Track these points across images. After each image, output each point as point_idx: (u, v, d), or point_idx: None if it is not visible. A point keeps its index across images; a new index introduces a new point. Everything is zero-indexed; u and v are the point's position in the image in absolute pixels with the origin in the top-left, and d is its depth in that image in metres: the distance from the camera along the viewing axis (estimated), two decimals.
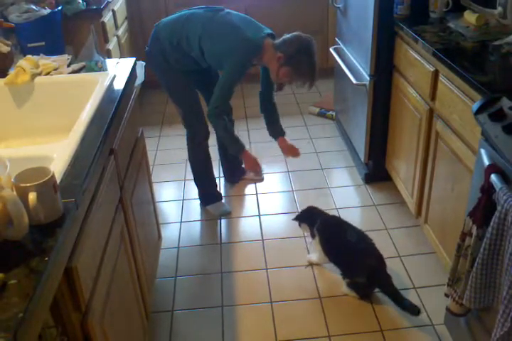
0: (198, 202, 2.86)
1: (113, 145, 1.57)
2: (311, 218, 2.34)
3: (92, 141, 1.39)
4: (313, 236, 2.30)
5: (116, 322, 1.43)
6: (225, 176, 3.07)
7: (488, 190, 1.45)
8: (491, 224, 1.38)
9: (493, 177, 1.42)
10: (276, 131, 2.70)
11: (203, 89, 2.64)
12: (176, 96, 2.57)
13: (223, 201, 2.82)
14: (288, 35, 2.38)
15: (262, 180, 3.04)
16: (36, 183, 1.02)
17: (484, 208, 1.47)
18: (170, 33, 2.39)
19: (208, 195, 2.81)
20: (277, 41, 2.37)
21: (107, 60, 2.07)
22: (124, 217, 1.62)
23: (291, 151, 2.68)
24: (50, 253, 0.98)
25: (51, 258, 0.97)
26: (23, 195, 1.01)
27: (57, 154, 1.30)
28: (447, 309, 1.70)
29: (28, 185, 1.02)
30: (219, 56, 2.36)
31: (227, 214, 2.75)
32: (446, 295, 1.69)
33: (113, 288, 1.40)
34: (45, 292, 0.95)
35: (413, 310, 1.98)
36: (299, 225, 2.39)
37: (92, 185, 1.30)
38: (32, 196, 1.01)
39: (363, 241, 2.15)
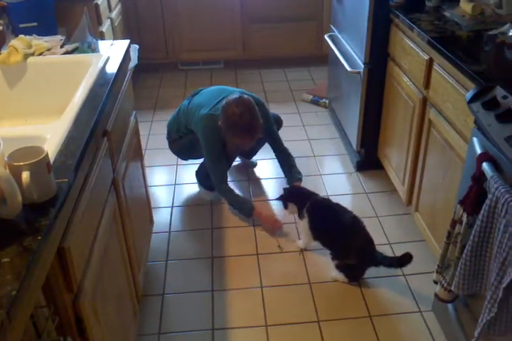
0: (190, 186, 2.86)
1: (106, 126, 1.56)
2: (300, 198, 2.33)
3: (86, 121, 1.38)
4: (301, 217, 2.30)
5: (108, 304, 1.44)
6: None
7: (479, 178, 1.46)
8: (482, 211, 1.39)
9: (484, 165, 1.43)
10: (290, 178, 2.68)
11: None
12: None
13: None
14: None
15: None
16: (30, 162, 1.02)
17: (475, 196, 1.48)
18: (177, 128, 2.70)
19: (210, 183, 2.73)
20: None
21: (101, 42, 2.05)
22: (116, 199, 1.62)
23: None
24: (43, 232, 0.98)
25: (44, 237, 0.97)
26: (16, 173, 1.00)
27: (50, 134, 1.29)
28: (435, 295, 1.72)
29: (22, 163, 1.01)
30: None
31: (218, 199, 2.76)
32: (435, 282, 1.71)
33: (105, 270, 1.40)
34: (37, 271, 0.95)
35: (409, 259, 2.01)
36: (285, 207, 2.40)
37: (85, 165, 1.29)
38: (25, 175, 1.01)
39: (353, 223, 2.14)
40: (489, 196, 1.36)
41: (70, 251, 1.11)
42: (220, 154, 2.55)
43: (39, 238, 0.96)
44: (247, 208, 2.54)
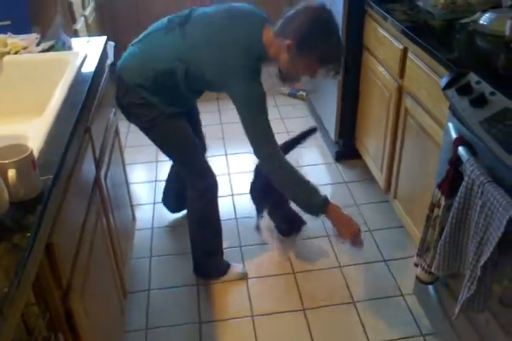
0: None
1: (88, 123, 1.56)
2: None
3: (67, 119, 1.38)
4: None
5: (96, 300, 1.45)
6: (168, 205, 2.60)
7: (455, 162, 1.50)
8: (458, 194, 1.43)
9: (460, 149, 1.47)
10: None
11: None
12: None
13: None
14: (290, 12, 1.73)
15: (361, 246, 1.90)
16: (15, 160, 1.02)
17: (452, 179, 1.52)
18: (137, 75, 1.84)
19: (222, 264, 2.24)
20: (277, 26, 1.75)
21: (77, 39, 2.04)
22: (99, 195, 1.62)
23: None
24: (32, 229, 0.98)
25: (33, 234, 0.98)
26: (2, 171, 1.01)
27: (32, 132, 1.29)
28: (417, 278, 1.76)
29: (7, 161, 1.02)
30: (212, 81, 1.79)
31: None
32: (416, 265, 1.75)
33: (92, 266, 1.41)
34: (28, 268, 0.95)
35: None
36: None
37: (69, 163, 1.29)
38: (11, 173, 1.01)
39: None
40: (465, 179, 1.40)
41: (58, 247, 1.12)
42: (265, 107, 1.78)
43: (28, 235, 0.97)
44: (319, 202, 1.81)
